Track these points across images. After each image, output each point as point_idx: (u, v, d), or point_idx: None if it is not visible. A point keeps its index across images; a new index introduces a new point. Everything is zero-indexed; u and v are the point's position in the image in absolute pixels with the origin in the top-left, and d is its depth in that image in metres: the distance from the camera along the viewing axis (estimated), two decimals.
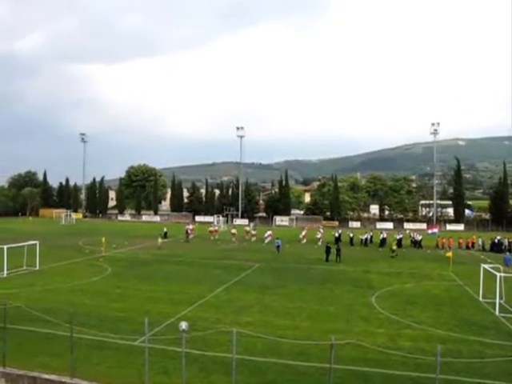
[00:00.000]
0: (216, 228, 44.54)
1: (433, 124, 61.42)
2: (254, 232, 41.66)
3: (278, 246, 32.21)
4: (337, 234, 38.40)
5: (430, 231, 41.38)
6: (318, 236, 38.95)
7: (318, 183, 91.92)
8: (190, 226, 44.21)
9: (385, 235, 37.28)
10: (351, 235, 38.45)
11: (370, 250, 33.24)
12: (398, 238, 36.35)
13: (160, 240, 34.56)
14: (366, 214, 72.53)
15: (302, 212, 78.99)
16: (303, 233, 40.40)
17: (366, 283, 21.06)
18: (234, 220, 71.38)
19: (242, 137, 75.29)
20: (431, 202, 62.37)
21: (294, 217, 70.17)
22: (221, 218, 60.64)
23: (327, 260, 27.87)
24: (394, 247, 30.51)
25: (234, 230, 41.83)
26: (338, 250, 28.12)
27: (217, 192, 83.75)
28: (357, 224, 65.30)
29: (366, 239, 37.69)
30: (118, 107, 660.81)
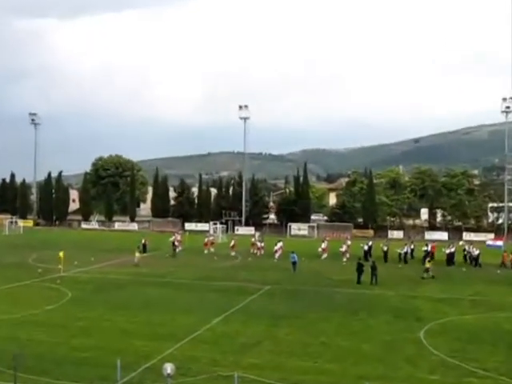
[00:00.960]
0: (212, 239, 45.51)
1: (504, 99, 60.36)
2: (260, 244, 42.78)
3: (293, 263, 32.78)
4: (366, 247, 39.02)
5: (491, 243, 40.66)
6: (343, 249, 39.86)
7: (346, 180, 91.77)
8: (178, 237, 45.12)
9: (429, 248, 38.00)
10: (385, 248, 38.74)
11: (414, 268, 33.21)
12: (447, 251, 36.27)
13: (138, 255, 35.16)
14: (411, 221, 72.44)
15: (325, 218, 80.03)
16: (323, 245, 41.53)
17: (412, 313, 21.04)
18: (236, 228, 72.42)
19: (246, 119, 75.62)
20: (501, 204, 60.54)
21: (315, 224, 70.93)
22: (218, 225, 61.72)
23: (359, 281, 28.25)
24: (428, 265, 30.47)
25: (233, 242, 42.75)
26: (374, 269, 28.47)
27: (213, 191, 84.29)
28: (399, 234, 65.50)
29: (406, 254, 37.99)
30: (80, 80, 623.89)
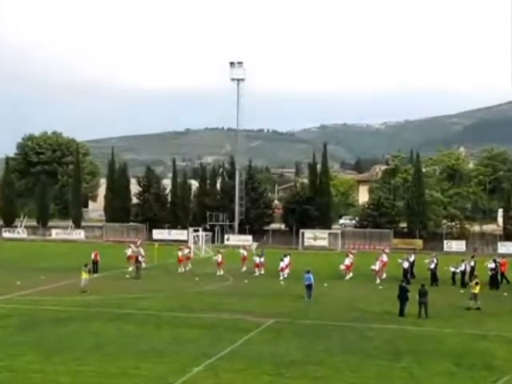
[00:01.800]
0: (187, 252, 47.28)
1: None
2: (258, 260, 43.97)
3: (308, 286, 33.17)
4: (406, 264, 39.91)
5: None
6: (375, 267, 40.81)
7: (383, 168, 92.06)
8: (142, 251, 46.04)
9: (492, 265, 38.50)
10: (432, 265, 39.63)
11: (480, 294, 32.71)
12: (489, 266, 37.90)
13: (85, 276, 35.27)
14: (477, 227, 72.37)
15: (353, 221, 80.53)
16: (346, 261, 42.80)
17: (481, 359, 21.14)
18: (227, 237, 73.67)
19: (240, 81, 76.31)
20: None
21: (339, 231, 71.86)
22: (201, 233, 63.18)
23: (402, 313, 28.51)
24: (476, 290, 30.75)
25: (220, 257, 43.87)
26: (423, 295, 28.61)
27: (194, 185, 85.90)
28: (459, 245, 65.61)
29: (464, 273, 38.36)
30: None
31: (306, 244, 69.07)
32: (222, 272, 42.83)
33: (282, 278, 40.85)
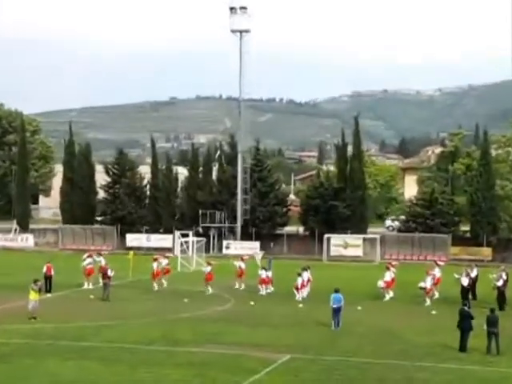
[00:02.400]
0: (165, 264, 48.30)
1: None
2: (265, 274, 44.89)
3: (335, 310, 32.83)
4: (465, 281, 39.54)
5: None
6: (425, 284, 40.48)
7: (437, 151, 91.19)
8: (103, 261, 46.64)
9: None
10: (500, 282, 39.29)
11: None
12: None
13: (34, 296, 34.94)
14: None
15: (396, 223, 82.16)
16: (387, 276, 42.63)
17: None
18: (226, 244, 75.20)
19: (243, 33, 76.89)
20: None
21: (378, 236, 72.11)
22: (191, 238, 63.32)
23: (463, 348, 28.29)
24: None
25: (207, 269, 45.59)
26: (492, 323, 28.50)
27: (181, 173, 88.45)
28: None
29: None
30: None
31: (332, 253, 69.25)
32: (210, 290, 43.90)
33: (299, 298, 40.68)
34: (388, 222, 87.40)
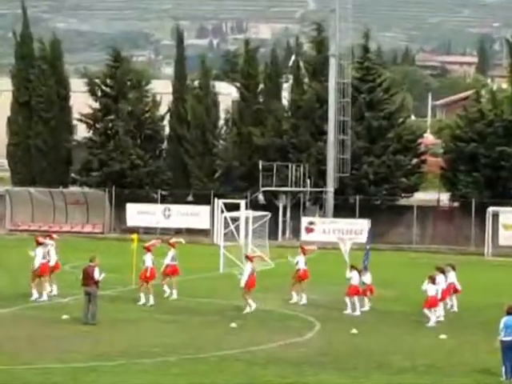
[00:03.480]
0: (171, 257, 39.32)
1: None
2: (357, 279, 36.78)
3: (509, 347, 23.90)
4: None
5: None
6: None
7: None
8: (52, 251, 38.64)
9: None
10: None
11: None
12: None
13: None
14: None
15: None
16: None
17: None
18: (308, 223, 65.21)
19: None
20: None
21: None
22: (244, 213, 51.60)
23: None
24: None
25: (248, 267, 36.61)
26: None
27: (226, 94, 79.90)
28: None
29: None
30: None
31: (503, 242, 55.64)
32: (252, 306, 34.24)
33: (432, 323, 31.23)
34: None
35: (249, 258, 37.39)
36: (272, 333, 31.08)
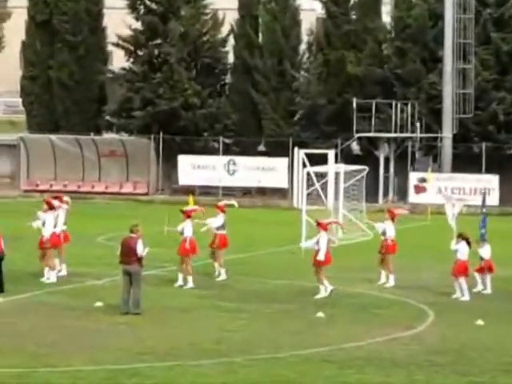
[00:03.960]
0: (217, 222, 41.07)
1: None
2: (485, 252, 38.45)
3: None
4: None
5: None
6: None
7: None
8: (61, 215, 39.69)
9: None
10: None
11: None
12: None
13: None
14: None
15: None
16: None
17: None
18: (419, 180, 64.90)
19: None
20: None
21: None
22: (332, 167, 53.48)
23: None
24: None
25: (321, 240, 37.34)
26: None
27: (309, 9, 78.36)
28: None
29: None
30: None
31: None
32: (327, 287, 35.01)
33: None
34: None
35: (321, 226, 36.95)
36: (370, 325, 30.67)
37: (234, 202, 45.10)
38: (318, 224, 37.29)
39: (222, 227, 39.59)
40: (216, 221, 39.74)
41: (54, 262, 37.50)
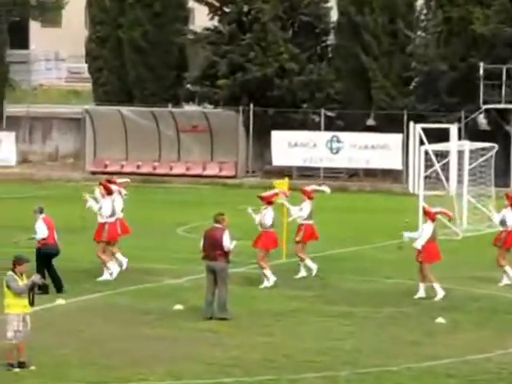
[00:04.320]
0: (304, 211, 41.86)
1: None
2: None
3: None
4: None
5: None
6: None
7: None
8: (119, 200, 41.62)
9: None
10: None
11: None
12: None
13: (17, 305, 27.27)
14: None
15: None
16: None
17: None
18: None
19: None
20: None
21: None
22: (455, 146, 54.54)
23: None
24: None
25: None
26: None
27: None
28: None
29: None
30: None
31: None
32: (438, 292, 35.52)
33: None
34: None
35: (428, 215, 37.50)
36: (501, 333, 30.80)
37: (325, 187, 45.22)
38: (426, 213, 38.02)
39: (309, 217, 40.13)
40: (300, 209, 40.24)
41: (109, 259, 38.48)
